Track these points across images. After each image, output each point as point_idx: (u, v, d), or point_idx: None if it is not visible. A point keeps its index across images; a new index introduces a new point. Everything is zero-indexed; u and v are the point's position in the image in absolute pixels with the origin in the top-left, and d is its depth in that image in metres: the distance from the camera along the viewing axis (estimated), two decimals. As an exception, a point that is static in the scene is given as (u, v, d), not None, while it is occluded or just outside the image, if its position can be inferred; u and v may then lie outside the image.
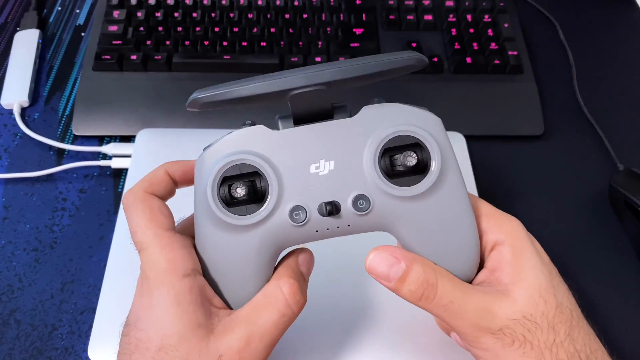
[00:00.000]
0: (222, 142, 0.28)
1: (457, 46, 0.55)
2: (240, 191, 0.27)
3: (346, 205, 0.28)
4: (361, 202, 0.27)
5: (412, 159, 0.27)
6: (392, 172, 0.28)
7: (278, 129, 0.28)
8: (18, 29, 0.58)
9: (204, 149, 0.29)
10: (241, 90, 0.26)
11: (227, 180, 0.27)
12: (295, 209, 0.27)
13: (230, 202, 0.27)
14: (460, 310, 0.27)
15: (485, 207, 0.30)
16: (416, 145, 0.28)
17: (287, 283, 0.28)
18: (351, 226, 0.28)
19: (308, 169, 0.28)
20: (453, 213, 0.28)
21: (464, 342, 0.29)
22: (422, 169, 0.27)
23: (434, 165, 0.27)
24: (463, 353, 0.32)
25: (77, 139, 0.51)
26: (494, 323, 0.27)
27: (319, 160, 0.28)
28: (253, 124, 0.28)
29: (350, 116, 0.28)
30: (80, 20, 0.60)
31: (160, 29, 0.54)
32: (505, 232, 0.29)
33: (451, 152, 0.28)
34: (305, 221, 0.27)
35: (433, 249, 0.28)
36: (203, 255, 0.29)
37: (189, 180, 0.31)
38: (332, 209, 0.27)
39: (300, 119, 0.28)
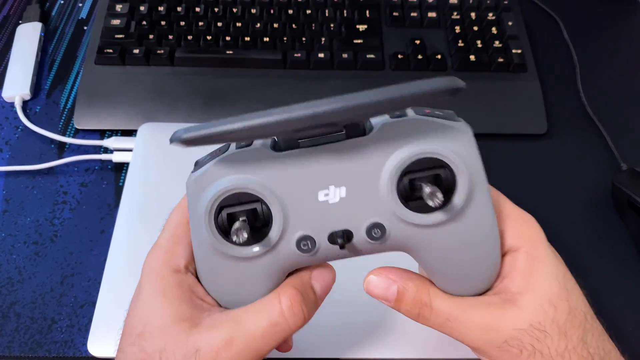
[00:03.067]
0: (217, 165, 0.25)
1: (460, 44, 0.55)
2: (239, 233, 0.24)
3: (359, 234, 0.25)
4: (376, 230, 0.25)
5: (437, 200, 0.23)
6: (411, 196, 0.25)
7: (280, 149, 0.25)
8: (20, 22, 0.58)
9: (195, 167, 0.26)
10: (237, 132, 0.22)
11: (225, 207, 0.25)
12: (303, 239, 0.25)
13: (229, 232, 0.25)
14: (459, 327, 0.27)
15: (506, 206, 0.28)
16: (440, 167, 0.25)
17: (287, 292, 0.26)
18: (364, 251, 0.26)
19: (316, 196, 0.25)
20: (477, 237, 0.26)
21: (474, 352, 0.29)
22: (446, 190, 0.25)
23: (460, 195, 0.24)
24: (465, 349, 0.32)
25: (78, 133, 0.51)
26: (497, 336, 0.26)
27: (328, 186, 0.25)
28: (250, 141, 0.26)
29: (364, 132, 0.25)
30: (83, 14, 0.60)
31: (163, 23, 0.54)
32: (524, 238, 0.28)
33: (480, 171, 0.25)
34: (314, 251, 0.26)
35: (451, 271, 0.27)
36: (203, 282, 0.28)
37: None
38: (344, 240, 0.25)
39: (307, 137, 0.25)
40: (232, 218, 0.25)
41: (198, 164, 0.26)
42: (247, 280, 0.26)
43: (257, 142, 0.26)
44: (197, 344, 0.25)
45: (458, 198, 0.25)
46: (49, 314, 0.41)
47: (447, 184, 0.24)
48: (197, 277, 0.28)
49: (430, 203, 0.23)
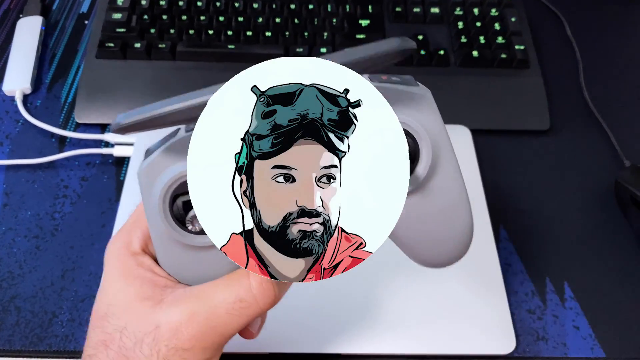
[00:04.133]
0: (165, 152, 0.24)
1: (463, 39, 0.54)
2: (194, 221, 0.24)
3: None
4: None
5: None
6: None
7: None
8: (21, 15, 0.57)
9: (145, 155, 0.26)
10: (178, 113, 0.22)
11: (180, 195, 0.24)
12: None
13: (186, 220, 0.25)
14: None
15: None
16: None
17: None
18: None
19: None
20: (448, 203, 0.26)
21: None
22: (410, 158, 0.24)
23: (423, 163, 0.24)
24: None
25: (79, 127, 0.50)
26: None
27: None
28: None
29: None
30: (84, 8, 0.60)
31: (164, 17, 0.54)
32: None
33: (444, 136, 0.25)
34: None
35: (422, 244, 0.26)
36: (168, 270, 0.27)
37: None
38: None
39: None
40: (188, 206, 0.24)
41: (148, 152, 0.26)
42: (210, 266, 0.26)
43: None
44: (157, 321, 0.25)
45: (421, 167, 0.24)
46: (49, 308, 0.41)
47: (411, 153, 0.24)
48: (154, 259, 0.28)
49: None
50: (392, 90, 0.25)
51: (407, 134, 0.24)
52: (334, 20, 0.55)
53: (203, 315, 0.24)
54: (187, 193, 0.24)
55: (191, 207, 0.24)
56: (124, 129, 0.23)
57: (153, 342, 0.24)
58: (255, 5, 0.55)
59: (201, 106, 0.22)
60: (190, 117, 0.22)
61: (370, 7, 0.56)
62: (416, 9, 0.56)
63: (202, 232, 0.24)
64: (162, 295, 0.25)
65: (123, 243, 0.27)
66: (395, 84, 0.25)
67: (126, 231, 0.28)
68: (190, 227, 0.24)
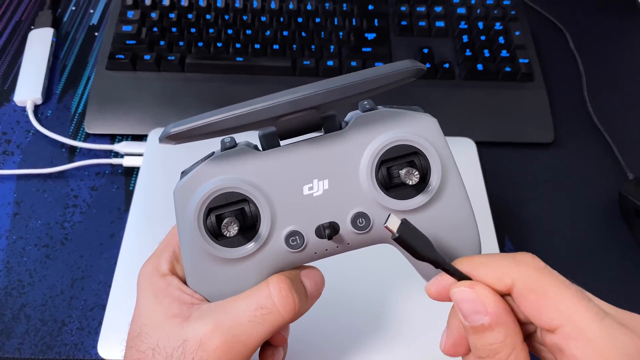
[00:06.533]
0: (202, 169, 0.26)
1: (468, 53, 0.55)
2: (229, 226, 0.25)
3: (345, 225, 0.26)
4: (361, 220, 0.26)
5: (414, 177, 0.25)
6: (390, 184, 0.26)
7: (262, 147, 0.27)
8: (32, 27, 0.58)
9: (182, 174, 0.27)
10: (223, 122, 0.24)
11: (213, 210, 0.26)
12: (292, 235, 0.26)
13: (219, 234, 0.26)
14: None
15: (545, 284, 0.24)
16: (413, 154, 0.26)
17: (275, 277, 0.26)
18: (351, 244, 0.27)
19: (301, 190, 0.26)
20: (456, 217, 0.27)
21: None
22: (421, 177, 0.26)
23: (435, 176, 0.26)
24: None
25: (89, 137, 0.51)
26: None
27: (311, 180, 0.26)
28: (233, 142, 0.27)
29: (340, 127, 0.27)
30: (94, 20, 0.61)
31: (174, 29, 0.55)
32: (560, 314, 0.23)
33: (449, 154, 0.27)
34: (303, 246, 0.26)
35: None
36: (192, 286, 0.28)
37: None
38: (331, 231, 0.26)
39: (286, 135, 0.27)
40: (220, 220, 0.25)
41: (184, 173, 0.27)
42: (237, 280, 0.27)
43: (241, 144, 0.27)
44: (184, 335, 0.26)
45: (434, 178, 0.26)
46: (59, 317, 0.41)
47: (421, 170, 0.26)
48: (182, 280, 0.29)
49: (408, 181, 0.25)
50: (402, 114, 0.27)
51: (417, 151, 0.26)
52: (341, 33, 0.55)
53: (226, 326, 0.25)
54: (221, 207, 0.25)
55: (223, 220, 0.25)
56: (172, 138, 0.24)
57: (182, 356, 0.25)
58: (263, 19, 0.56)
59: (246, 115, 0.23)
60: (235, 125, 0.24)
61: (376, 20, 0.57)
62: (421, 23, 0.57)
63: (237, 237, 0.26)
64: (189, 311, 0.26)
65: (153, 266, 0.29)
66: (405, 110, 0.27)
67: (156, 255, 0.29)
68: (225, 233, 0.25)
